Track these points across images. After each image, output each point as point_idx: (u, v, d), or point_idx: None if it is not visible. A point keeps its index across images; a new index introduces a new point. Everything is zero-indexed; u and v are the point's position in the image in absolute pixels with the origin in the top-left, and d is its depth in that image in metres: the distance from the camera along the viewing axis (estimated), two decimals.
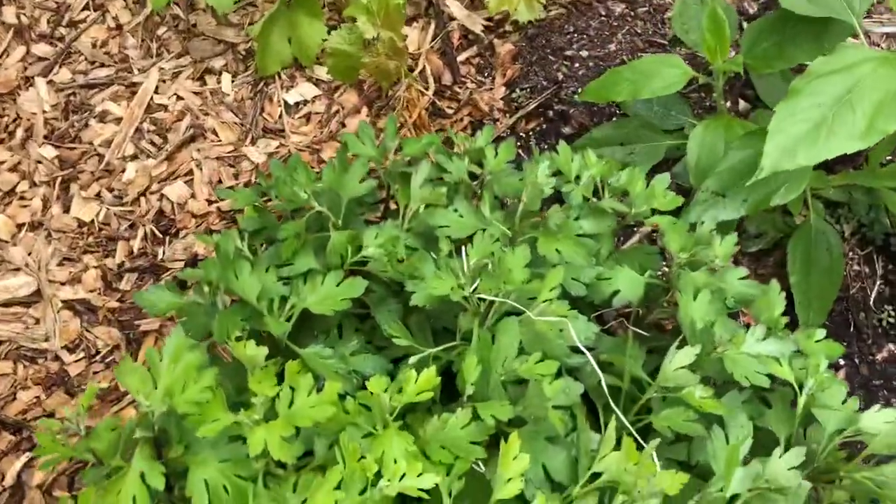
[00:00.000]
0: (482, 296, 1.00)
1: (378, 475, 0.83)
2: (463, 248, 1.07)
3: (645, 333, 1.18)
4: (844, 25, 1.33)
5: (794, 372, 1.01)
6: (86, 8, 1.86)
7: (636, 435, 0.93)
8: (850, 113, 1.15)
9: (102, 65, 1.80)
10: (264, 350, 0.91)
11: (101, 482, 0.84)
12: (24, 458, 1.37)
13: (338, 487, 0.82)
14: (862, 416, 0.98)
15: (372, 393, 0.88)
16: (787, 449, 0.92)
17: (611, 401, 0.95)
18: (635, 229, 1.42)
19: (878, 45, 1.82)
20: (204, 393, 0.81)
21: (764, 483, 0.87)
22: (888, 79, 1.14)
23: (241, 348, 0.91)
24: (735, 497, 0.88)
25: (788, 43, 1.39)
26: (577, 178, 1.19)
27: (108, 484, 0.80)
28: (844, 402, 1.01)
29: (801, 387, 1.00)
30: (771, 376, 1.00)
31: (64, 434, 0.88)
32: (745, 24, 1.89)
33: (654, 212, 1.19)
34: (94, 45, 1.82)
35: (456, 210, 1.15)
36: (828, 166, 1.53)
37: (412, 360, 0.98)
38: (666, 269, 1.18)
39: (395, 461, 0.84)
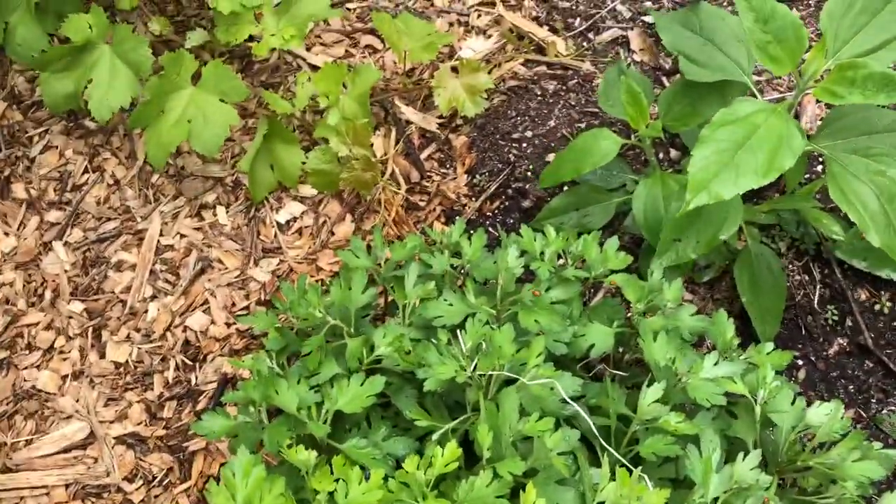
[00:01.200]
0: (482, 372, 1.21)
1: None
2: (458, 331, 1.28)
3: (624, 374, 1.39)
4: (739, 83, 1.57)
5: (748, 385, 1.22)
6: (85, 171, 2.08)
7: (627, 464, 1.12)
8: (752, 155, 1.36)
9: (109, 219, 2.01)
10: (314, 453, 1.10)
11: None
12: None
13: None
14: (808, 412, 1.19)
15: (408, 472, 1.08)
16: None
17: (601, 440, 1.15)
18: (602, 284, 1.63)
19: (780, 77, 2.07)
20: (278, 499, 1.00)
21: (735, 484, 1.07)
22: (779, 127, 1.38)
23: (294, 454, 1.11)
24: (715, 500, 1.08)
25: (698, 103, 1.62)
26: (542, 254, 1.41)
27: None
28: (793, 402, 1.22)
29: (755, 397, 1.21)
30: (730, 393, 1.21)
31: None
32: (664, 79, 2.15)
33: (612, 271, 1.41)
34: (98, 203, 2.04)
35: (446, 300, 1.36)
36: (757, 194, 1.75)
37: (434, 436, 1.18)
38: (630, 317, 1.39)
39: None
